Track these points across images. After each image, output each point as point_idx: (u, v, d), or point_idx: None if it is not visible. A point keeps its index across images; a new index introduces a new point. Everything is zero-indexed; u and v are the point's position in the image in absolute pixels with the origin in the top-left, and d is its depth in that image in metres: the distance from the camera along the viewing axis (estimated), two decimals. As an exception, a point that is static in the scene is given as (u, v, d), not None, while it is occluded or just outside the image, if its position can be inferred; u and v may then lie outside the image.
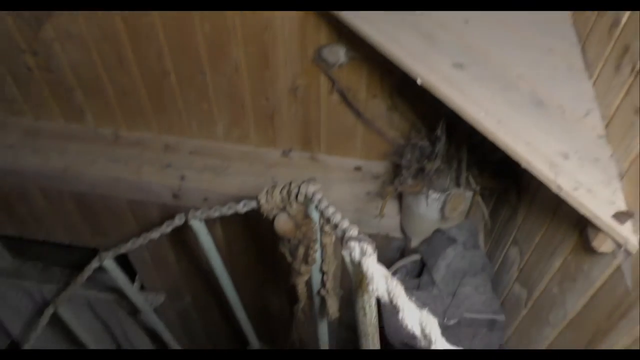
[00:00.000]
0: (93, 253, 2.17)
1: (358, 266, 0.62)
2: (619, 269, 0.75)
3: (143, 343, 2.32)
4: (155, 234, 1.43)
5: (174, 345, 2.27)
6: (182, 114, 1.71)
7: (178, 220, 1.37)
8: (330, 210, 0.96)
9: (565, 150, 0.84)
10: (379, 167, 1.69)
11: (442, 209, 1.34)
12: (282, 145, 1.75)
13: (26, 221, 2.07)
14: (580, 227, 0.86)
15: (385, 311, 1.24)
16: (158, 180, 1.72)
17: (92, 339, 2.13)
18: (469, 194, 1.33)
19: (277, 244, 1.28)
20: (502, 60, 1.00)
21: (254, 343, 2.09)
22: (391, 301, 0.53)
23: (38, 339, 1.89)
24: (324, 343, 1.63)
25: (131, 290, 1.85)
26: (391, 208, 1.61)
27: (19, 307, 2.31)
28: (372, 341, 0.83)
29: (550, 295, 0.98)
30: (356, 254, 0.62)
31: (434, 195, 1.30)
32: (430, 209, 1.35)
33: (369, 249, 0.61)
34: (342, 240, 0.67)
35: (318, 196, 0.97)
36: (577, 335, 0.84)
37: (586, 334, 0.81)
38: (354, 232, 0.67)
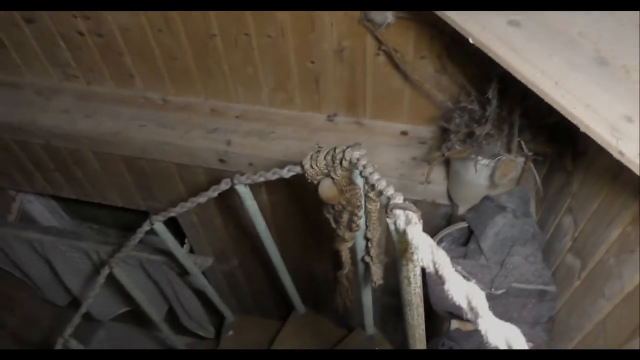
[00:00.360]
0: (144, 216, 2.26)
1: (403, 235, 0.60)
2: (684, 240, 0.70)
3: (192, 304, 2.41)
4: (202, 199, 1.46)
5: (222, 306, 2.34)
6: (227, 78, 1.70)
7: (224, 185, 1.39)
8: (375, 176, 0.94)
9: (628, 113, 0.78)
10: (426, 132, 1.64)
11: (491, 176, 1.29)
12: (327, 109, 1.72)
13: (82, 184, 2.16)
14: (643, 195, 0.81)
15: (430, 280, 1.22)
16: (205, 145, 1.74)
17: (145, 298, 2.21)
18: (521, 160, 1.27)
19: (321, 209, 1.27)
20: (561, 17, 0.93)
21: (300, 307, 2.13)
22: (436, 272, 0.52)
23: (96, 297, 1.98)
24: (368, 309, 1.63)
25: (180, 252, 1.90)
26: (438, 174, 1.57)
27: (78, 267, 2.43)
28: (416, 310, 0.82)
29: (606, 266, 0.93)
30: (401, 222, 0.60)
31: (483, 161, 1.25)
32: (479, 175, 1.30)
33: (415, 217, 0.59)
34: (386, 208, 0.65)
35: (363, 162, 0.95)
36: (633, 309, 0.80)
37: (644, 309, 0.76)
38: (399, 199, 0.65)
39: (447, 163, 1.53)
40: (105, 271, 1.94)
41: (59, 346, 2.06)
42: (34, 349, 2.98)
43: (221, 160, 1.75)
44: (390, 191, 0.82)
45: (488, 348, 0.48)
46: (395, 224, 0.61)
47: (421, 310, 0.85)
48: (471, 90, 1.30)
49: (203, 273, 2.31)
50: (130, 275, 2.13)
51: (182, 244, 2.30)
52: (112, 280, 2.03)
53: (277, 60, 1.58)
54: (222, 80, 1.72)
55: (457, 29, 0.94)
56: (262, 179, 1.31)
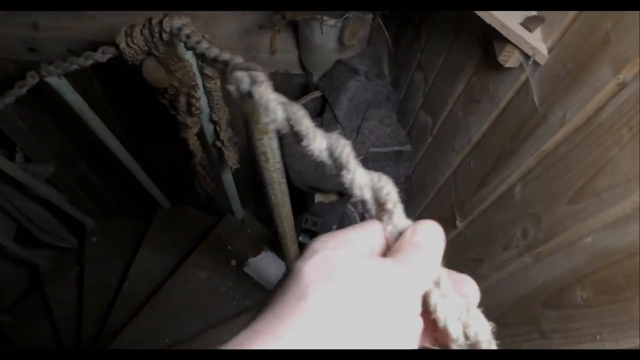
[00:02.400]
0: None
1: (250, 100, 0.49)
2: (526, 84, 0.67)
3: (42, 216, 2.16)
4: (8, 99, 1.20)
5: (76, 213, 2.14)
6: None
7: (30, 79, 1.14)
8: (204, 45, 0.78)
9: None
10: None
11: (340, 37, 1.19)
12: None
13: None
14: (486, 42, 0.76)
15: (289, 151, 1.15)
16: (4, 31, 1.41)
17: (-18, 219, 1.94)
18: (369, 16, 1.18)
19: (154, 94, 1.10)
20: None
21: (163, 202, 2.00)
22: (292, 129, 0.42)
23: None
24: (233, 194, 1.56)
25: (8, 165, 1.63)
26: (287, 42, 1.44)
27: None
28: (278, 188, 0.74)
29: (454, 120, 0.91)
30: (245, 85, 0.48)
31: (330, 22, 1.14)
32: (326, 37, 1.19)
33: (260, 75, 0.48)
34: (226, 74, 0.53)
35: (186, 31, 0.79)
36: (481, 161, 0.79)
37: (491, 158, 0.75)
38: (238, 60, 0.53)
39: (295, 29, 1.40)
40: None
41: None
42: None
43: (31, 50, 1.45)
44: (226, 56, 0.68)
45: (353, 203, 0.42)
46: (239, 89, 0.50)
47: (284, 187, 0.77)
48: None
49: (49, 181, 2.05)
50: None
51: (12, 154, 2.00)
52: None
53: None
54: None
55: None
56: (74, 67, 1.08)
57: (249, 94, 0.51)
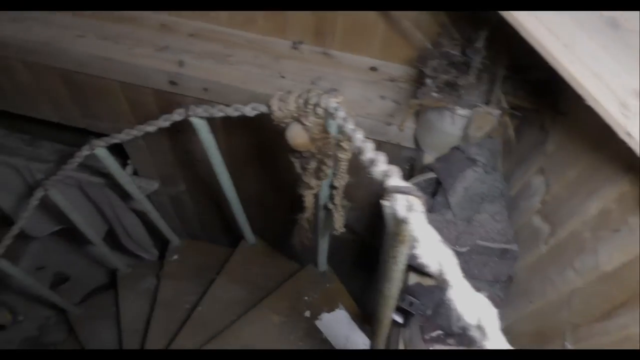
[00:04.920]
0: (83, 133, 2.07)
1: (402, 222, 0.53)
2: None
3: (135, 226, 2.30)
4: (151, 127, 1.32)
5: (167, 230, 2.26)
6: (181, -10, 1.50)
7: (177, 116, 1.26)
8: (352, 126, 0.84)
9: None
10: (398, 70, 1.54)
11: (466, 127, 1.23)
12: (292, 35, 1.57)
13: (10, 95, 1.92)
14: (636, 176, 0.77)
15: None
16: (153, 65, 1.55)
17: (82, 219, 2.09)
18: (497, 112, 1.21)
19: (284, 150, 1.18)
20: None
21: (250, 237, 2.08)
22: (441, 275, 0.45)
23: (30, 217, 1.84)
24: (323, 249, 1.60)
25: (124, 178, 1.77)
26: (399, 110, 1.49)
27: (7, 182, 2.24)
28: (396, 287, 0.77)
29: (579, 239, 0.91)
30: (401, 209, 0.52)
31: (460, 112, 1.18)
32: (453, 125, 1.23)
33: (418, 204, 0.52)
34: (383, 189, 0.57)
35: (342, 114, 0.85)
36: (609, 291, 0.79)
37: (623, 293, 0.75)
38: (395, 178, 0.57)
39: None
40: (39, 193, 1.79)
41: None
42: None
43: (172, 83, 1.58)
44: (373, 154, 0.73)
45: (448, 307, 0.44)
46: (393, 207, 0.54)
47: (400, 283, 0.80)
48: (455, 34, 1.20)
49: (147, 195, 2.19)
50: (68, 196, 1.98)
51: (124, 164, 2.16)
52: (47, 199, 1.88)
53: (241, -25, 1.40)
54: (175, -9, 1.51)
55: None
56: (221, 114, 1.18)
57: (404, 219, 0.54)
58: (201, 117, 1.25)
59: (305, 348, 1.74)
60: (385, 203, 0.55)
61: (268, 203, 2.13)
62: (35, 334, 3.27)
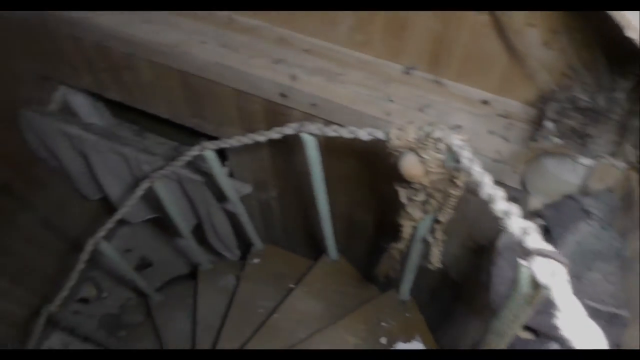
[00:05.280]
0: (189, 132, 2.18)
1: (538, 285, 0.50)
2: None
3: (224, 226, 2.38)
4: (262, 138, 1.37)
5: (253, 234, 2.31)
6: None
7: (290, 130, 1.29)
8: (478, 169, 0.82)
9: None
10: (511, 106, 1.49)
11: (585, 177, 1.16)
12: (406, 60, 1.57)
13: (130, 89, 2.07)
14: None
15: (499, 272, 1.14)
16: (268, 76, 1.61)
17: (177, 212, 2.19)
18: (623, 165, 1.14)
19: (388, 177, 1.17)
20: None
21: (332, 253, 2.09)
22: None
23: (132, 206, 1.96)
24: (408, 279, 1.57)
25: (224, 179, 1.84)
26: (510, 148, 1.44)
27: (114, 169, 2.39)
28: (505, 342, 0.74)
29: None
30: (543, 274, 0.50)
31: (584, 161, 1.12)
32: (572, 174, 1.17)
33: (563, 272, 0.49)
34: (522, 250, 0.54)
35: (467, 154, 0.83)
36: None
37: None
38: (536, 237, 0.54)
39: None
40: (145, 184, 1.90)
41: (89, 247, 2.07)
42: (59, 238, 3.05)
43: (282, 95, 1.63)
44: (505, 205, 0.70)
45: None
46: (531, 270, 0.51)
47: (510, 339, 0.77)
48: (587, 78, 1.14)
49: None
50: (168, 189, 2.09)
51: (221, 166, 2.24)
52: (150, 190, 1.99)
53: (365, -3, 1.41)
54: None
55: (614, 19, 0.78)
56: (333, 134, 1.20)
57: (543, 284, 0.51)
58: (312, 135, 1.27)
59: (377, 375, 1.72)
60: (522, 263, 0.52)
61: (356, 222, 2.13)
62: (116, 312, 3.47)
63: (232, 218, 2.35)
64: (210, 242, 2.62)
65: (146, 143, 2.49)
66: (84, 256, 2.09)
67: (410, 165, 0.99)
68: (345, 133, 1.14)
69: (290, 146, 1.86)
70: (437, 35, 1.42)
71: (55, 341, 3.27)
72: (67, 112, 2.58)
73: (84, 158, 2.45)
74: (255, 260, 2.47)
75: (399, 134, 0.98)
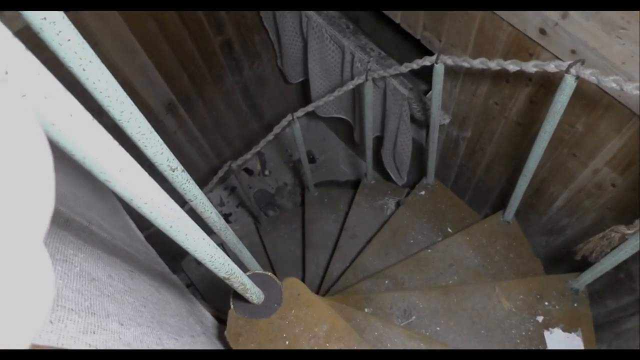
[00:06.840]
0: (413, 43, 2.10)
1: None
2: None
3: (405, 149, 2.33)
4: (513, 67, 1.25)
5: (431, 166, 2.24)
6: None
7: (553, 68, 1.15)
8: None
9: None
10: None
11: None
12: None
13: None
14: None
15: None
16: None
17: (370, 119, 2.18)
18: None
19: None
20: None
21: (509, 215, 1.95)
22: None
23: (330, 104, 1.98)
24: (597, 273, 1.40)
25: (437, 99, 1.76)
26: None
27: (327, 57, 2.42)
28: None
29: None
30: None
31: None
32: None
33: None
34: None
35: None
36: None
37: None
38: None
39: None
40: (359, 80, 1.90)
41: (284, 122, 2.17)
42: (250, 108, 3.25)
43: (542, 31, 1.47)
44: None
45: None
46: None
47: None
48: None
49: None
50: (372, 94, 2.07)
51: (425, 90, 2.17)
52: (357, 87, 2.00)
53: None
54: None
55: None
56: (614, 86, 1.04)
57: None
58: (577, 78, 1.13)
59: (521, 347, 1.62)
60: None
61: (546, 193, 1.95)
62: (271, 192, 3.71)
63: (415, 143, 2.30)
64: (383, 159, 2.61)
65: (361, 43, 2.47)
66: (277, 130, 2.19)
67: None
68: (630, 89, 0.98)
69: (515, 90, 1.71)
70: None
71: (216, 195, 3.61)
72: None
73: (302, 39, 2.51)
74: (422, 193, 2.43)
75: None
